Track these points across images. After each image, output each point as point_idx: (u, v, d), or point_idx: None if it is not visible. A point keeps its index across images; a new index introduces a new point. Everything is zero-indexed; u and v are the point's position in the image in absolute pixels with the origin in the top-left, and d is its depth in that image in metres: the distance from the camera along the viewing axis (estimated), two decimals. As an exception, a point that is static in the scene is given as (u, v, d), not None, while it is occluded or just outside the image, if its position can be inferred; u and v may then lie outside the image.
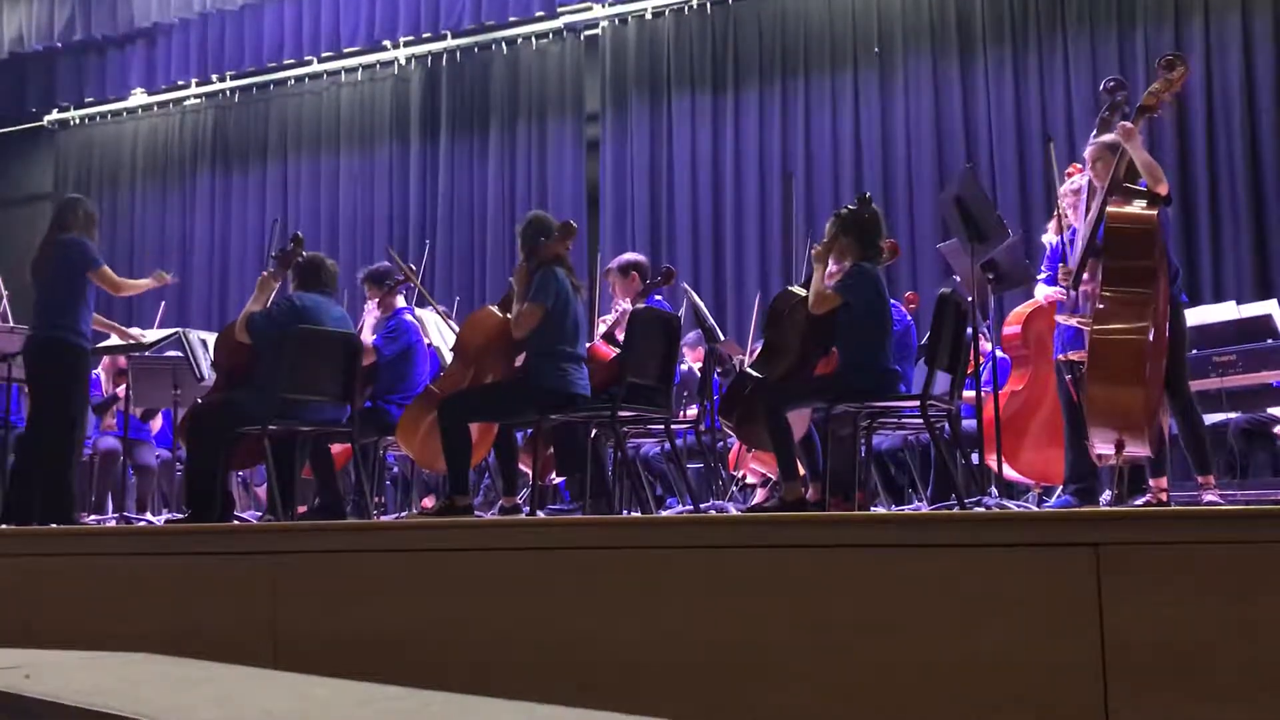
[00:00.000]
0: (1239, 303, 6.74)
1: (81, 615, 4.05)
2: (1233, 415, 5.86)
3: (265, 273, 5.52)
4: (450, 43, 10.96)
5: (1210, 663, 2.72)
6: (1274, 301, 6.32)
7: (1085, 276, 4.52)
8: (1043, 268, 5.43)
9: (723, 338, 6.50)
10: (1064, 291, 4.73)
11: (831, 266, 4.84)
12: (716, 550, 3.30)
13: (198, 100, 12.11)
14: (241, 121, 11.93)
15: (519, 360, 5.18)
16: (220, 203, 11.93)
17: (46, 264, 5.67)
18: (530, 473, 5.53)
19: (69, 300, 5.60)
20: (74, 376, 5.66)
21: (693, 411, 6.68)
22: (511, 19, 10.51)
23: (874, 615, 3.04)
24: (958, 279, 5.66)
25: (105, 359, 7.91)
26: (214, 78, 11.77)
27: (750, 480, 6.67)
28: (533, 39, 10.75)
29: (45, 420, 5.59)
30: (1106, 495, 4.85)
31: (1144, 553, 2.83)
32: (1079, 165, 5.29)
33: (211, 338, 6.32)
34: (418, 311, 6.45)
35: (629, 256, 6.34)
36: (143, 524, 6.47)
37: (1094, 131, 4.83)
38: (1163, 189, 4.40)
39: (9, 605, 4.19)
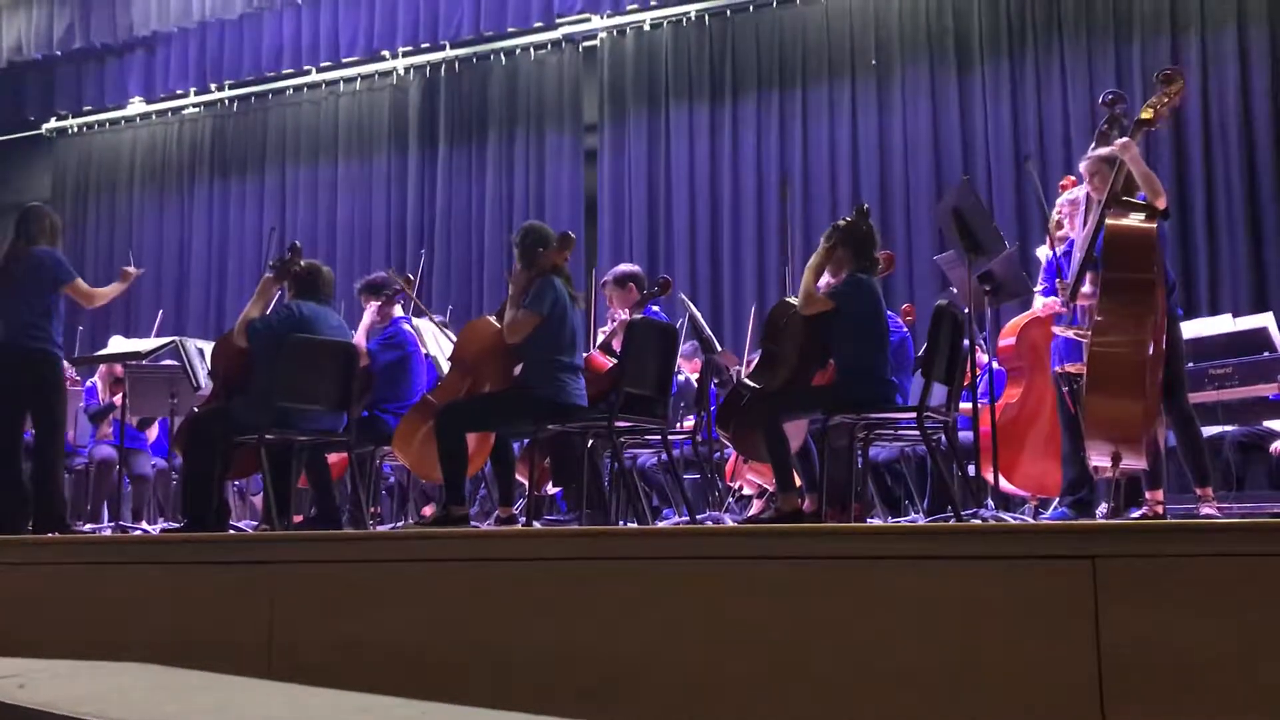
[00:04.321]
0: (1235, 315, 6.74)
1: (77, 624, 4.05)
2: (1229, 428, 5.86)
3: (268, 276, 5.51)
4: (449, 53, 10.97)
5: (1207, 675, 2.71)
6: (1270, 314, 6.30)
7: (1083, 290, 4.53)
8: (1040, 280, 5.43)
9: (720, 348, 6.50)
10: (1063, 303, 4.73)
11: (828, 278, 4.85)
12: (712, 561, 3.30)
13: (196, 109, 12.10)
14: (240, 131, 11.93)
15: (516, 370, 5.18)
16: (218, 212, 11.92)
17: (21, 275, 5.65)
18: (526, 483, 5.52)
19: (43, 312, 5.62)
20: (57, 385, 5.69)
21: (689, 422, 6.67)
22: (510, 29, 10.49)
23: (870, 627, 3.04)
24: (954, 290, 5.66)
25: (102, 368, 7.89)
26: (212, 87, 11.76)
27: (747, 491, 6.66)
28: (531, 49, 10.76)
29: (18, 428, 5.63)
30: (1103, 508, 4.85)
31: (1140, 565, 2.83)
32: (1073, 178, 5.29)
33: (208, 346, 6.32)
34: (414, 321, 6.44)
35: (626, 268, 6.33)
36: (139, 533, 6.45)
37: (1093, 144, 4.84)
38: (1161, 202, 4.40)
39: (3, 614, 4.18)
